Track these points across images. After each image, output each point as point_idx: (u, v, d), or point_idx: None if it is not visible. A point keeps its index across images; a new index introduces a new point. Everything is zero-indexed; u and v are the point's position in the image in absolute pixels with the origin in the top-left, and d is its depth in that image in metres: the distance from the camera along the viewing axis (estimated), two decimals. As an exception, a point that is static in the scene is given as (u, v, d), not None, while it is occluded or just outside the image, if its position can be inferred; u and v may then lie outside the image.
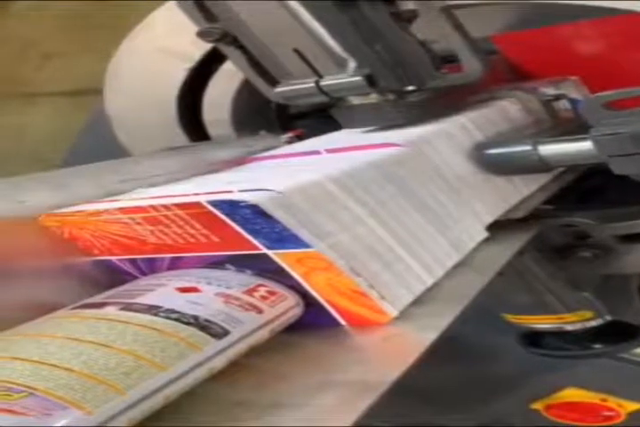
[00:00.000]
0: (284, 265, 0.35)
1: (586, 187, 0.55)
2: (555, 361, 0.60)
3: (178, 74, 0.58)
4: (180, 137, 0.61)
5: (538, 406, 0.62)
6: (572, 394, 0.63)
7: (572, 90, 0.57)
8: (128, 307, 0.32)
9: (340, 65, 0.45)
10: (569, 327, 0.56)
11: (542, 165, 0.46)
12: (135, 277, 0.38)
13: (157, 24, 0.58)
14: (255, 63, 0.47)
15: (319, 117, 0.59)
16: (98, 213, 0.37)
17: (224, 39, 0.45)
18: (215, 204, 0.34)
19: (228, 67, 0.55)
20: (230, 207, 0.33)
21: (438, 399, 0.64)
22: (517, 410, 0.62)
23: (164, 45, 0.58)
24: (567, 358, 0.59)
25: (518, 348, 0.59)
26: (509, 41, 0.59)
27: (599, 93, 0.44)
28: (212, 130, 0.61)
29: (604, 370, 0.63)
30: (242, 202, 0.33)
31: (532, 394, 0.62)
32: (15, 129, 0.91)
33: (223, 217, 0.34)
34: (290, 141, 0.54)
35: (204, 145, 0.53)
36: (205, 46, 0.55)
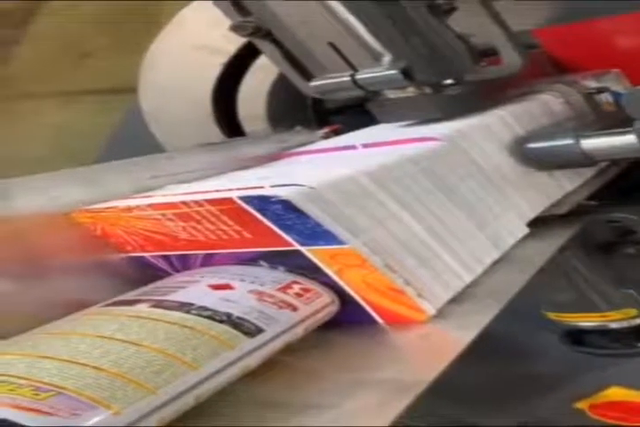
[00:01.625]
0: (317, 262, 0.35)
1: (630, 182, 0.53)
2: (598, 360, 0.59)
3: (212, 69, 0.57)
4: (216, 133, 0.60)
5: (582, 405, 0.60)
6: (616, 393, 0.62)
7: (615, 83, 0.55)
8: (159, 304, 0.32)
9: (376, 58, 0.44)
10: (613, 325, 0.55)
11: (585, 160, 0.45)
12: (169, 274, 0.38)
13: (190, 19, 0.58)
14: (290, 57, 0.46)
15: (356, 113, 0.58)
16: (129, 209, 0.36)
17: (258, 33, 0.44)
18: (246, 199, 0.33)
19: (262, 61, 0.55)
20: (262, 203, 0.33)
21: (478, 399, 0.63)
22: (560, 409, 0.61)
23: (197, 41, 0.57)
24: (611, 357, 0.58)
25: (561, 346, 0.58)
26: (550, 35, 0.57)
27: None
28: (247, 126, 0.61)
29: (649, 369, 0.61)
30: (273, 197, 0.33)
31: (576, 393, 0.60)
32: (53, 128, 0.92)
33: (255, 213, 0.33)
34: (326, 137, 0.53)
35: (237, 141, 0.53)
36: (239, 41, 0.55)
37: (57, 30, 0.87)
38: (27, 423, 0.23)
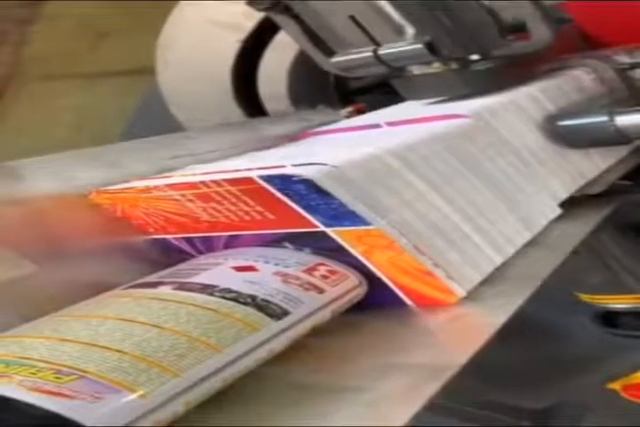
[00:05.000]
0: (343, 243, 0.34)
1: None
2: (632, 341, 0.58)
3: (230, 46, 0.56)
4: (237, 113, 0.59)
5: (615, 386, 0.60)
6: (648, 375, 0.61)
7: (649, 58, 0.54)
8: (182, 286, 0.31)
9: (399, 32, 0.43)
10: (647, 307, 0.54)
11: (619, 137, 0.44)
12: (192, 256, 0.37)
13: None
14: (309, 32, 0.45)
15: (381, 92, 0.57)
16: (148, 189, 0.36)
17: (276, 7, 0.43)
18: (267, 179, 0.32)
19: (281, 37, 0.54)
20: (283, 182, 0.32)
21: (512, 381, 0.63)
22: (593, 390, 0.60)
23: (213, 17, 0.56)
24: (644, 339, 0.57)
25: (594, 328, 0.57)
26: (583, 9, 0.56)
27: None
28: (268, 105, 0.60)
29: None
30: (295, 176, 0.31)
31: (609, 374, 0.60)
32: (74, 110, 0.91)
33: (276, 193, 0.32)
34: (350, 116, 0.52)
35: (259, 120, 0.52)
36: (257, 16, 0.53)
37: (73, 10, 0.86)
38: (51, 408, 0.23)
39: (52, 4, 0.85)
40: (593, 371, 0.60)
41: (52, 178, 0.36)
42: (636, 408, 0.58)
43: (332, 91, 0.59)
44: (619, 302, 0.55)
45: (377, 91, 0.60)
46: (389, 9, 0.42)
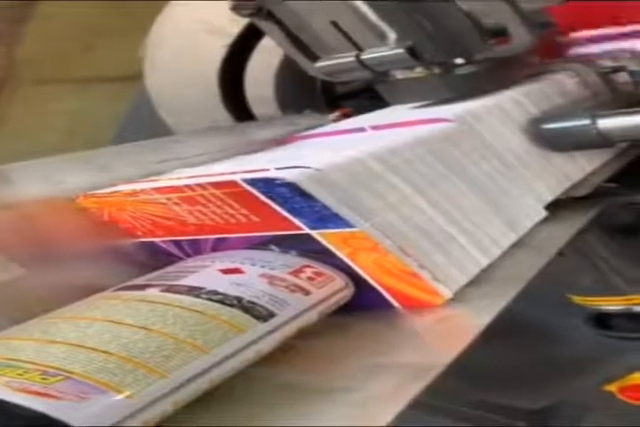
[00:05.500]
0: (328, 245, 0.34)
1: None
2: (626, 343, 0.58)
3: (216, 51, 0.57)
4: (224, 116, 0.60)
5: (611, 388, 0.60)
6: (644, 376, 0.61)
7: (632, 62, 0.54)
8: (169, 289, 0.31)
9: (381, 37, 0.43)
10: (638, 309, 0.54)
11: (602, 140, 0.44)
12: (180, 259, 0.37)
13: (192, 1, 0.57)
14: (293, 38, 0.45)
15: (367, 97, 0.57)
16: (135, 193, 0.36)
17: (259, 13, 0.43)
18: (251, 182, 0.32)
19: (266, 42, 0.54)
20: (267, 186, 0.32)
21: (506, 381, 0.63)
22: (590, 392, 0.60)
23: (199, 21, 0.57)
24: (636, 341, 0.57)
25: (587, 330, 0.57)
26: (566, 13, 0.56)
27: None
28: (256, 108, 0.60)
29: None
30: (278, 180, 0.32)
31: (605, 376, 0.60)
32: (66, 114, 0.91)
33: (260, 196, 0.33)
34: (337, 120, 0.53)
35: (246, 124, 0.52)
36: (242, 21, 0.54)
37: (65, 15, 0.87)
38: (36, 408, 0.23)
39: (44, 4, 0.85)
40: (589, 373, 0.60)
41: (40, 182, 0.36)
42: (633, 410, 0.58)
43: (320, 95, 0.60)
44: (610, 304, 0.55)
45: (363, 95, 0.60)
46: (371, 14, 0.43)
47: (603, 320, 0.57)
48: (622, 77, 0.53)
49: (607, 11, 0.55)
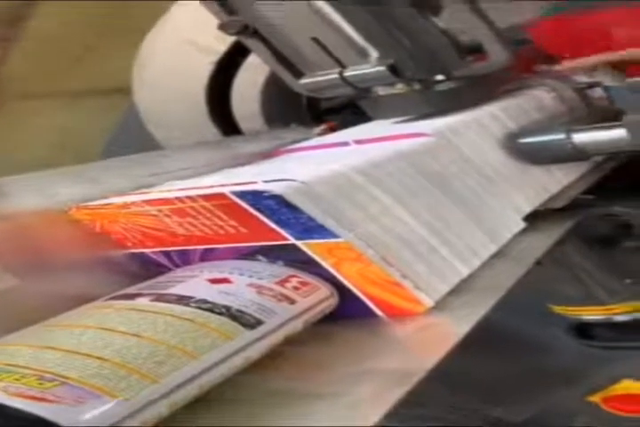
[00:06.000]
0: (314, 256, 0.35)
1: (627, 176, 0.53)
2: (609, 353, 0.59)
3: (204, 68, 0.58)
4: (213, 131, 0.61)
5: (595, 398, 0.60)
6: (629, 386, 0.62)
7: (606, 77, 0.56)
8: (160, 298, 0.32)
9: (364, 55, 0.45)
10: (618, 318, 0.55)
11: (577, 154, 0.45)
12: (169, 270, 0.38)
13: (178, 18, 0.58)
14: (278, 55, 0.46)
15: (351, 112, 0.58)
16: (126, 205, 0.37)
17: (246, 31, 0.44)
18: (239, 194, 0.34)
19: (253, 59, 0.55)
20: (254, 198, 0.33)
21: (490, 392, 0.63)
22: (573, 402, 0.61)
23: (187, 39, 0.58)
24: (618, 350, 0.58)
25: (570, 340, 0.57)
26: (542, 29, 0.58)
27: (630, 79, 0.43)
28: (243, 124, 0.61)
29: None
30: (265, 192, 0.33)
31: (588, 386, 0.60)
32: (54, 128, 0.92)
33: (248, 208, 0.34)
34: (322, 134, 0.54)
35: (233, 138, 0.53)
36: (229, 39, 0.55)
37: (54, 29, 0.87)
38: (35, 411, 0.24)
39: (33, 22, 0.86)
40: (571, 383, 0.60)
41: (34, 194, 0.37)
42: (617, 421, 0.59)
43: (305, 110, 0.61)
44: (591, 314, 0.56)
45: (347, 110, 0.61)
46: (352, 33, 0.44)
47: (584, 330, 0.58)
48: (597, 93, 0.54)
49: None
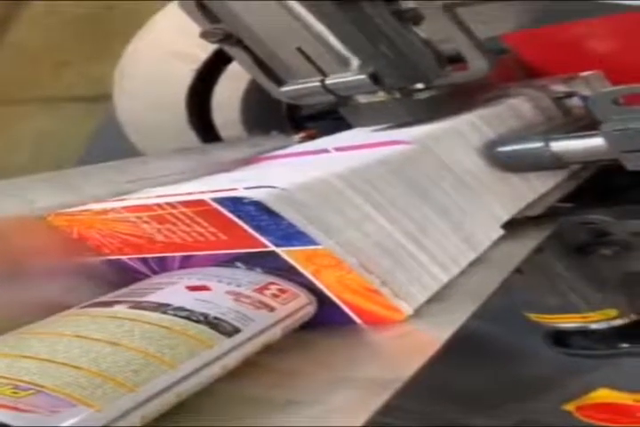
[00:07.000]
0: (293, 263, 0.35)
1: (604, 184, 0.54)
2: (585, 361, 0.59)
3: (185, 75, 0.58)
4: (193, 140, 0.61)
5: (569, 407, 0.60)
6: (604, 395, 0.62)
7: (583, 87, 0.56)
8: (137, 305, 0.32)
9: (345, 63, 0.45)
10: (594, 326, 0.55)
11: (555, 162, 0.46)
12: (147, 276, 0.38)
13: (161, 26, 0.58)
14: (260, 63, 0.46)
15: (332, 119, 0.58)
16: (105, 211, 0.37)
17: (228, 40, 0.44)
18: (219, 201, 0.33)
19: (234, 67, 0.55)
20: (234, 204, 0.33)
21: (466, 400, 0.63)
22: (548, 411, 0.61)
23: (169, 47, 0.58)
24: (594, 358, 0.58)
25: (546, 348, 0.58)
26: (520, 39, 0.58)
27: (606, 89, 0.43)
28: (223, 131, 0.61)
29: (634, 370, 0.62)
30: (245, 199, 0.33)
31: (563, 395, 0.61)
32: (34, 134, 0.91)
33: (228, 214, 0.34)
34: (302, 141, 0.54)
35: (213, 145, 0.53)
36: (211, 47, 0.55)
37: (34, 35, 0.87)
38: (7, 421, 0.23)
39: (13, 30, 0.85)
40: (546, 391, 0.61)
41: (12, 200, 0.36)
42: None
43: (285, 117, 0.61)
44: (566, 322, 0.56)
45: (327, 117, 0.61)
46: (334, 42, 0.45)
47: (560, 338, 0.58)
48: (574, 102, 0.54)
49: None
